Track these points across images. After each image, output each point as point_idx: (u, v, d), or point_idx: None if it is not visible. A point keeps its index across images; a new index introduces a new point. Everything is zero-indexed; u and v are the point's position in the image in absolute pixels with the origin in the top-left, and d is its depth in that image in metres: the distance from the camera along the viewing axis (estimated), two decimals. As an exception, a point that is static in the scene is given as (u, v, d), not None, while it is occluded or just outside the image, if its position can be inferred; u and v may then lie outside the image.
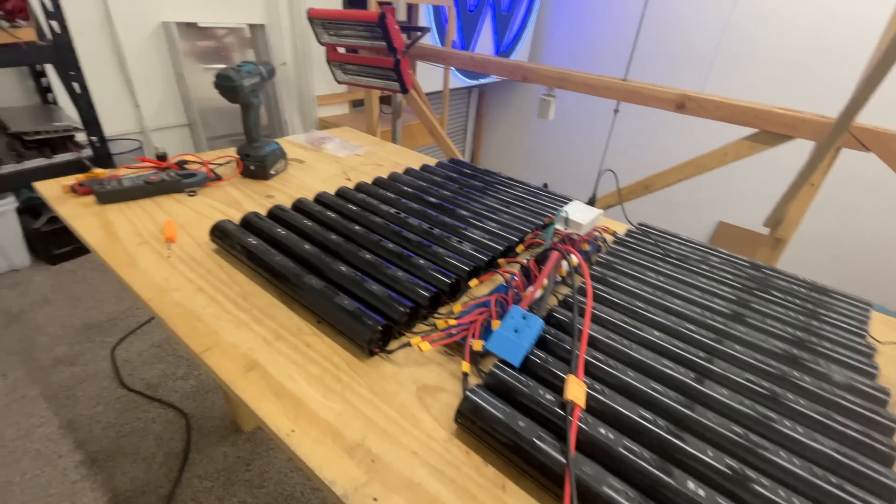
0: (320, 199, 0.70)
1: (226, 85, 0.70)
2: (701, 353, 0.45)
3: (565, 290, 0.56)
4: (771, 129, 1.48)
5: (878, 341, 0.52)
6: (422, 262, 0.55)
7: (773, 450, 0.35)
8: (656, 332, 0.47)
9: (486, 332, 0.47)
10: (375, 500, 0.33)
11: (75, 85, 1.51)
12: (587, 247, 0.63)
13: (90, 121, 1.58)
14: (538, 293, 0.50)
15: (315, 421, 0.38)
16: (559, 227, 0.63)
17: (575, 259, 0.54)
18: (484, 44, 4.02)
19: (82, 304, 1.52)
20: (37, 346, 1.34)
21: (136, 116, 2.00)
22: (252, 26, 2.27)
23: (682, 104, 1.64)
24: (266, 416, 0.38)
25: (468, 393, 0.38)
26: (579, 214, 0.64)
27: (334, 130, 1.15)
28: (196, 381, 1.28)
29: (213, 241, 0.60)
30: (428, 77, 3.11)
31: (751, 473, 0.33)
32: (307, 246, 0.56)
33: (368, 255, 0.55)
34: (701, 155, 1.68)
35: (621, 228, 0.75)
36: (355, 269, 0.53)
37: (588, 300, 0.47)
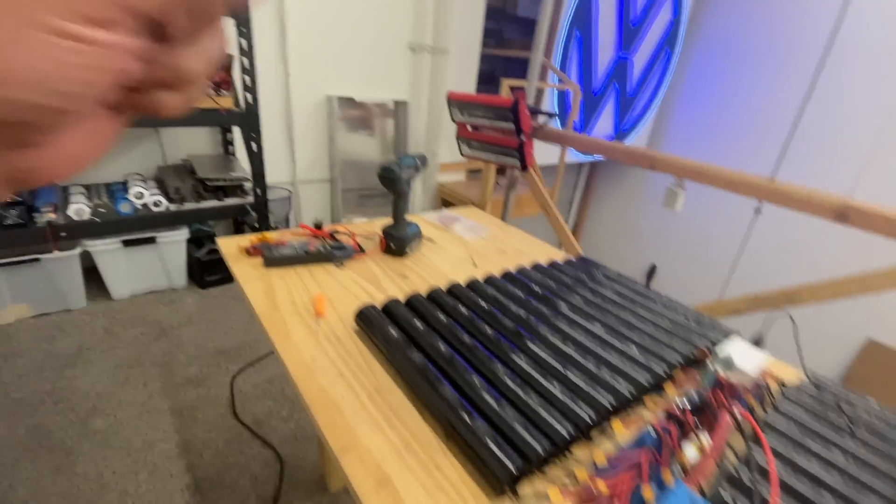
0: (453, 291, 0.71)
1: (388, 177, 0.77)
2: None
3: (727, 454, 0.48)
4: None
5: None
6: (558, 388, 0.52)
7: None
8: (865, 553, 0.37)
9: (635, 494, 0.41)
10: None
11: (253, 144, 1.81)
12: (752, 400, 0.54)
13: (258, 174, 1.86)
14: (691, 451, 0.43)
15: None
16: (719, 369, 0.56)
17: (742, 419, 0.46)
18: (603, 124, 4.03)
19: (217, 329, 1.72)
20: (175, 362, 1.53)
21: (290, 170, 2.33)
22: (396, 102, 2.56)
23: (844, 215, 1.44)
24: (395, 548, 0.37)
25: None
26: (745, 360, 0.56)
27: (461, 210, 1.20)
28: (295, 424, 1.34)
29: (356, 323, 0.63)
30: (543, 151, 3.18)
31: None
32: (442, 346, 0.56)
33: (500, 368, 0.53)
34: (869, 274, 1.43)
35: (787, 373, 0.64)
36: (487, 382, 0.51)
37: (772, 486, 0.39)
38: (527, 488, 0.43)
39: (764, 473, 0.41)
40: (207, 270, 1.98)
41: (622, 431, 0.49)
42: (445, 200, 3.16)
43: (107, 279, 1.81)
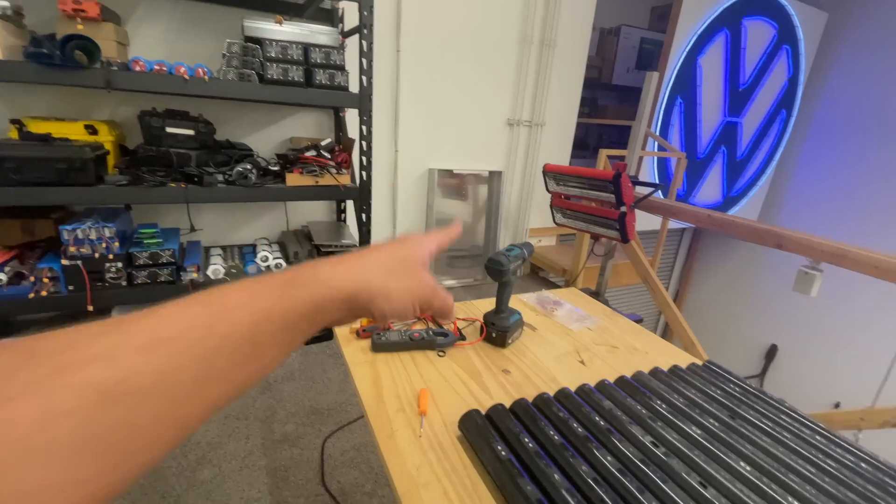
0: (561, 401, 0.66)
1: (497, 269, 0.77)
2: None
3: None
4: None
5: None
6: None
7: None
8: None
9: None
10: None
11: (363, 215, 1.96)
12: None
13: (365, 240, 2.01)
14: None
15: None
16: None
17: None
18: (709, 190, 3.77)
19: (314, 388, 1.80)
20: (275, 418, 1.61)
21: (391, 235, 2.48)
22: (491, 172, 2.65)
23: None
24: None
25: None
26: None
27: (562, 293, 1.15)
28: (378, 501, 1.31)
29: (459, 429, 0.61)
30: (642, 217, 3.02)
31: None
32: (556, 476, 0.51)
33: (629, 513, 0.46)
34: None
35: None
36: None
37: None
38: None
39: None
40: (311, 328, 2.11)
41: None
42: (536, 266, 3.10)
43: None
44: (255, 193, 1.74)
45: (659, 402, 0.67)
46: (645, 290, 2.72)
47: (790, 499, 0.51)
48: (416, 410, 0.65)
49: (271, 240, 2.16)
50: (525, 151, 2.70)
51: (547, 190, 2.11)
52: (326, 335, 2.13)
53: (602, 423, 0.61)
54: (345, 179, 1.86)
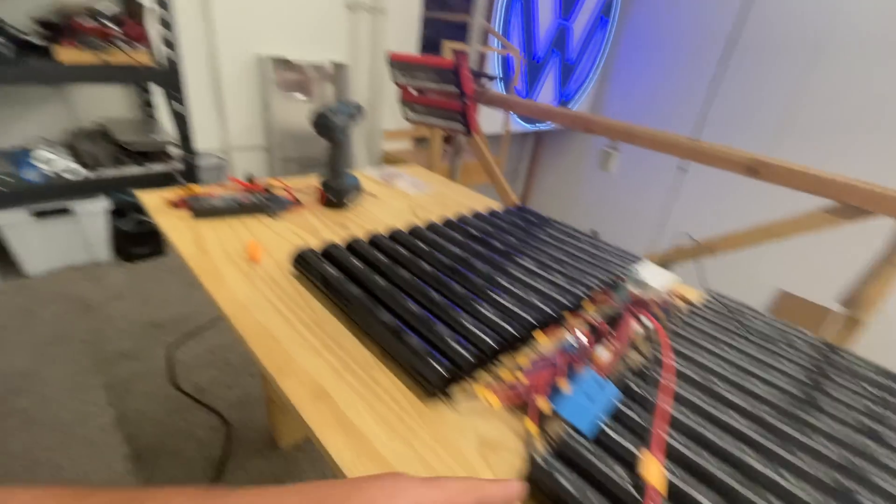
0: (394, 236, 0.72)
1: (323, 124, 0.76)
2: (789, 446, 0.41)
3: (636, 357, 0.54)
4: (852, 203, 1.39)
5: None
6: (488, 308, 0.55)
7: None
8: (738, 417, 0.44)
9: (554, 393, 0.46)
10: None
11: (176, 104, 1.68)
12: (661, 314, 0.61)
13: (184, 137, 1.74)
14: (601, 351, 0.48)
15: (376, 459, 0.38)
16: (631, 287, 0.62)
17: (651, 325, 0.52)
18: (546, 92, 4.11)
19: (151, 303, 1.63)
20: (104, 338, 1.44)
21: (222, 136, 2.19)
22: (336, 64, 2.46)
23: (754, 169, 1.58)
24: (330, 446, 0.39)
25: (539, 462, 0.37)
26: (654, 278, 0.62)
27: (404, 167, 1.20)
28: (241, 391, 1.32)
29: (294, 267, 0.63)
30: (489, 120, 3.21)
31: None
32: (380, 280, 0.58)
33: (436, 296, 0.56)
34: (774, 222, 1.60)
35: (693, 295, 0.72)
36: (424, 309, 0.53)
37: (665, 369, 0.45)
38: (458, 391, 0.46)
39: (661, 363, 0.47)
40: (134, 243, 1.85)
41: (545, 341, 0.54)
42: (392, 169, 3.12)
43: (18, 254, 1.65)
44: (15, 74, 1.35)
45: (473, 229, 0.79)
46: (495, 191, 3.00)
47: (554, 273, 0.67)
48: (246, 260, 0.65)
49: (54, 141, 1.74)
50: (370, 42, 2.55)
51: (394, 82, 2.08)
52: (156, 250, 1.89)
53: (425, 246, 0.69)
54: (142, 58, 1.54)
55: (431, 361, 0.45)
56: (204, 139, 2.10)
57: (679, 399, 0.46)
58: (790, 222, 1.60)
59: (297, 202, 0.85)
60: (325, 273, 0.58)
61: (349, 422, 0.41)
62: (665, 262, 1.87)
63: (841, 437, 0.44)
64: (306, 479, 1.06)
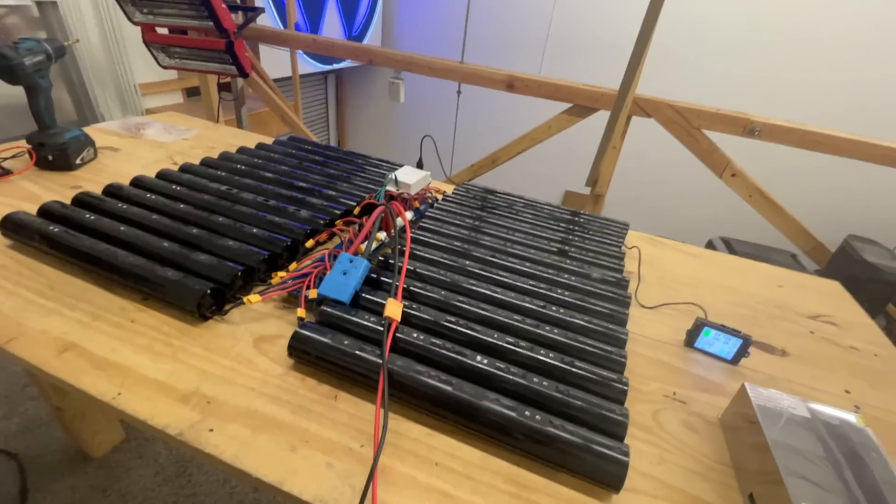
0: (137, 183, 0.66)
1: (2, 65, 0.61)
2: (497, 271, 0.56)
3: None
4: (580, 103, 1.77)
5: (626, 247, 0.70)
6: (256, 231, 0.57)
7: (540, 325, 0.47)
8: (467, 262, 0.57)
9: (320, 281, 0.51)
10: (211, 430, 0.35)
11: None
12: (419, 205, 0.71)
13: None
14: (364, 242, 0.56)
15: (144, 382, 0.39)
16: (390, 188, 0.70)
17: (395, 211, 0.61)
18: (331, 28, 3.93)
19: None
20: None
21: None
22: (40, 3, 1.90)
23: (511, 84, 1.85)
24: (88, 387, 0.38)
25: (297, 329, 0.42)
26: (408, 176, 0.71)
27: (156, 115, 1.06)
28: (22, 417, 1.08)
29: (4, 235, 0.53)
30: (275, 62, 2.94)
31: (522, 343, 0.44)
32: (122, 227, 0.53)
33: (195, 230, 0.55)
34: (533, 129, 1.93)
35: (448, 188, 0.85)
36: (181, 244, 0.52)
37: (407, 239, 0.55)
38: (233, 308, 0.48)
39: (403, 239, 0.56)
40: None
41: (315, 247, 0.59)
42: (168, 131, 2.66)
43: None
44: None
45: (240, 165, 0.77)
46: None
47: (330, 190, 0.71)
48: (-69, 243, 0.52)
49: None
50: (84, -29, 2.01)
51: (131, 21, 1.72)
52: None
53: (178, 188, 0.65)
54: None
55: (189, 284, 0.46)
56: None
57: (422, 258, 0.57)
58: (543, 127, 1.94)
59: (3, 171, 0.69)
60: (46, 232, 0.51)
61: (107, 361, 0.40)
62: (461, 180, 2.10)
63: (542, 259, 0.61)
64: (138, 476, 0.97)
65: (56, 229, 0.51)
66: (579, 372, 0.42)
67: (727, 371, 0.51)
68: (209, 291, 0.46)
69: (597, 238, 0.70)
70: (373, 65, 2.01)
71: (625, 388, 0.41)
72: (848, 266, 1.40)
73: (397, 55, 1.98)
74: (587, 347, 0.45)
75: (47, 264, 0.51)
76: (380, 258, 0.55)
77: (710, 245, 1.79)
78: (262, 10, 1.85)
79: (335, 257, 0.54)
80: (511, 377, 0.40)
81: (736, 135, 1.55)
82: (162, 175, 0.69)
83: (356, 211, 0.69)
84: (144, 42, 1.77)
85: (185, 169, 0.72)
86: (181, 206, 0.60)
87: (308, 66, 3.69)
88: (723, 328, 0.52)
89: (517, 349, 0.43)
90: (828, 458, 0.35)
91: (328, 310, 0.45)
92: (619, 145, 1.78)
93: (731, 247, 1.71)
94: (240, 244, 0.54)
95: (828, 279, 0.75)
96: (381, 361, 0.39)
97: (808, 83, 2.56)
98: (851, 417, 0.39)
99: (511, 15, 3.32)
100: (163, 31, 1.83)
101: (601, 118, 1.75)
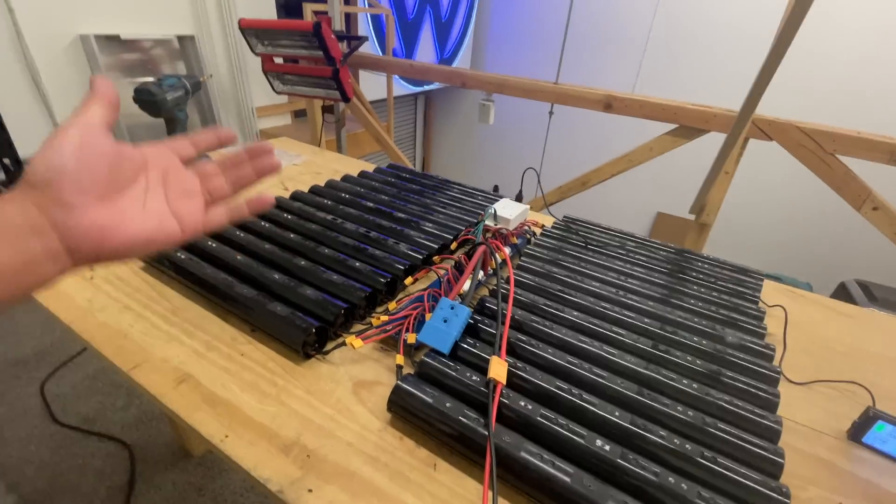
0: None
1: (146, 100, 0.69)
2: (611, 327, 0.50)
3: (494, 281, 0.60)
4: (687, 124, 1.61)
5: (766, 304, 0.59)
6: (358, 264, 0.57)
7: (671, 405, 0.40)
8: (574, 312, 0.52)
9: (420, 327, 0.49)
10: (310, 491, 0.34)
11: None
12: (516, 240, 0.67)
13: (2, 143, 1.47)
14: (466, 284, 0.53)
15: (250, 425, 0.39)
16: (489, 222, 0.67)
17: (499, 250, 0.57)
18: (425, 52, 4.08)
19: (6, 341, 1.40)
20: (-50, 390, 1.23)
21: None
22: (181, 38, 2.19)
23: (610, 104, 1.75)
24: (199, 424, 0.39)
25: (399, 382, 0.40)
26: (507, 210, 0.68)
27: (271, 141, 1.14)
28: (137, 409, 1.21)
29: (140, 259, 0.59)
30: (372, 85, 3.12)
31: (651, 426, 0.37)
32: (239, 257, 0.56)
33: (303, 262, 0.56)
34: (630, 151, 1.80)
35: (549, 222, 0.80)
36: (290, 277, 0.53)
37: (510, 286, 0.51)
38: (330, 346, 0.48)
39: (508, 281, 0.52)
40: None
41: (414, 283, 0.57)
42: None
43: None
44: None
45: (343, 193, 0.78)
46: (389, 158, 2.94)
47: (426, 222, 0.70)
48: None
49: None
50: (218, 9, 2.29)
51: (254, 52, 1.91)
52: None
53: (289, 216, 0.68)
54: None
55: (296, 322, 0.46)
56: (31, 141, 1.78)
57: (525, 307, 0.52)
58: (644, 148, 1.81)
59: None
60: (173, 258, 0.55)
61: (217, 397, 0.41)
62: (549, 202, 2.02)
63: (666, 314, 0.54)
64: (229, 480, 1.02)
65: (183, 256, 0.55)
66: (723, 472, 0.35)
67: (913, 482, 0.40)
68: (314, 331, 0.45)
69: (727, 290, 0.60)
70: (465, 87, 2.02)
71: (786, 501, 0.33)
72: None
73: (490, 78, 1.98)
74: (730, 438, 0.38)
75: (173, 288, 0.55)
76: (477, 299, 0.52)
77: (842, 288, 1.53)
78: (366, 39, 1.97)
79: (435, 298, 0.52)
80: (640, 472, 0.34)
81: (881, 162, 1.30)
82: (276, 202, 0.72)
83: (453, 246, 0.67)
84: (263, 71, 1.96)
85: (295, 197, 0.75)
86: (291, 235, 0.62)
87: (401, 88, 3.86)
88: (908, 426, 0.40)
89: (646, 434, 0.37)
90: None
91: (429, 361, 0.42)
92: (733, 171, 1.60)
93: (870, 292, 1.43)
94: (343, 279, 0.53)
95: None
96: (486, 433, 0.35)
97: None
98: None
99: (603, 31, 3.19)
100: (279, 60, 2.01)
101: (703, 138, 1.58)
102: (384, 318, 0.47)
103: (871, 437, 0.41)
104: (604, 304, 0.54)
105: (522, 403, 0.39)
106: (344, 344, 0.46)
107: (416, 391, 0.39)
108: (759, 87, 1.23)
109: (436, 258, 0.62)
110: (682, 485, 0.33)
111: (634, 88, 3.16)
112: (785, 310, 0.56)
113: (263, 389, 0.42)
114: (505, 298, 0.49)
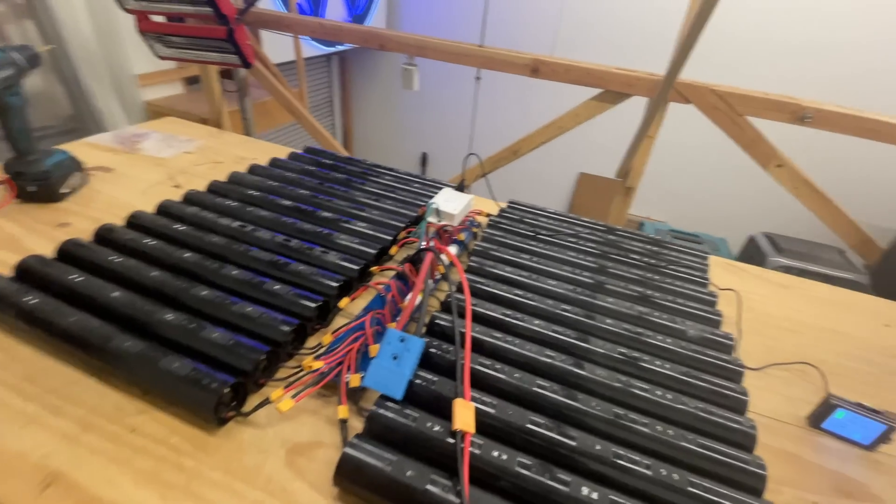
0: (134, 223, 0.55)
1: (-51, 81, 0.50)
2: (576, 335, 0.45)
3: (446, 288, 0.53)
4: (613, 89, 1.62)
5: (718, 288, 0.59)
6: (278, 287, 0.47)
7: (650, 423, 0.37)
8: (536, 321, 0.47)
9: (364, 360, 0.41)
10: None
11: None
12: (463, 236, 0.60)
13: None
14: (418, 299, 0.45)
15: (151, 537, 0.30)
16: (431, 219, 0.59)
17: (447, 259, 0.50)
18: (334, 7, 3.73)
19: None
20: None
21: None
22: (18, -10, 1.76)
23: (536, 68, 1.70)
24: (74, 552, 0.28)
25: (346, 450, 0.32)
26: (450, 204, 0.60)
27: (153, 123, 0.95)
28: None
29: (-31, 306, 0.44)
30: (277, 46, 2.78)
31: (633, 455, 0.34)
32: (117, 293, 0.43)
33: (205, 292, 0.45)
34: (559, 117, 1.78)
35: (494, 208, 0.74)
36: (189, 314, 0.42)
37: (466, 297, 0.44)
38: (252, 402, 0.38)
39: (461, 289, 0.46)
40: None
41: (351, 304, 0.48)
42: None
43: None
44: None
45: (251, 190, 0.66)
46: (304, 130, 2.66)
47: (356, 221, 0.60)
48: None
49: None
50: (70, -46, 1.86)
51: (123, 8, 1.58)
52: None
53: (182, 227, 0.55)
54: None
55: (204, 382, 0.36)
56: None
57: (483, 320, 0.46)
58: (571, 114, 1.80)
59: (-23, 206, 0.59)
60: (21, 304, 0.41)
61: (101, 502, 0.31)
62: (489, 170, 1.97)
63: (626, 310, 0.51)
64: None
65: (35, 301, 0.41)
66: (715, 499, 0.32)
67: (865, 461, 0.41)
68: (227, 389, 0.36)
69: (679, 273, 0.59)
70: (384, 50, 1.86)
71: (777, 523, 0.31)
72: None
73: (410, 39, 1.83)
74: (715, 455, 0.35)
75: (28, 344, 0.42)
76: (434, 321, 0.45)
77: (751, 241, 1.67)
78: (262, -7, 1.71)
79: (379, 322, 0.44)
80: (635, 523, 0.30)
81: (785, 122, 1.40)
82: (163, 209, 0.58)
83: (394, 250, 0.58)
84: (139, 31, 1.64)
85: (190, 199, 0.61)
86: (186, 254, 0.50)
87: (311, 48, 3.51)
88: (860, 408, 0.41)
89: (635, 467, 0.33)
90: None
91: (381, 413, 0.35)
92: (655, 134, 1.64)
93: (776, 243, 1.59)
94: (260, 310, 0.43)
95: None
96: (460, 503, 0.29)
97: (861, 66, 2.29)
98: None
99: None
100: (159, 19, 1.69)
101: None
102: (316, 364, 0.39)
103: (831, 423, 0.42)
104: (564, 308, 0.49)
105: (496, 453, 0.33)
106: (268, 402, 0.37)
107: (368, 459, 0.32)
108: (683, 52, 1.24)
109: (374, 269, 0.54)
110: (680, 530, 0.30)
111: (553, 52, 3.15)
112: (738, 295, 0.55)
113: (167, 479, 0.33)
114: (462, 314, 0.43)
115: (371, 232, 0.59)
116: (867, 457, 0.41)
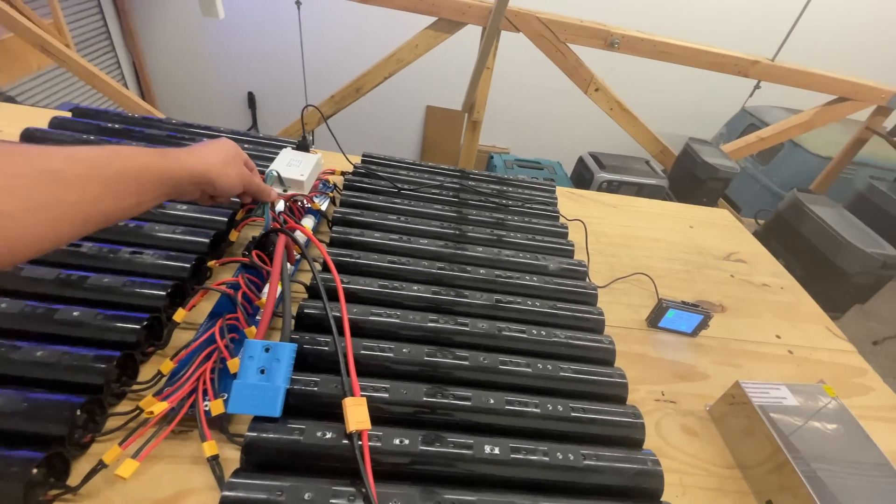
0: None
1: None
2: (455, 292, 0.45)
3: (309, 269, 0.47)
4: (446, 17, 1.57)
5: (567, 219, 0.64)
6: (78, 313, 0.35)
7: (531, 363, 0.39)
8: (415, 287, 0.45)
9: (224, 378, 0.35)
10: None
11: None
12: (318, 204, 0.54)
13: None
14: (277, 291, 0.39)
15: None
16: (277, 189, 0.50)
17: (303, 236, 0.44)
18: None
19: None
20: None
21: None
22: None
23: (366, -8, 1.56)
24: None
25: (224, 493, 0.27)
26: (294, 168, 0.52)
27: None
28: None
29: None
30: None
31: (522, 398, 0.36)
32: None
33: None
34: (398, 49, 1.69)
35: (347, 165, 0.67)
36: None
37: (336, 279, 0.40)
38: (79, 470, 0.29)
39: (326, 267, 0.41)
40: None
41: (181, 316, 0.39)
42: None
43: None
44: None
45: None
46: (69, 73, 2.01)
47: (177, 208, 0.49)
48: None
49: None
50: None
51: None
52: None
53: None
54: None
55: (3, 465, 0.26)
56: None
57: (357, 297, 0.43)
58: (409, 45, 1.72)
59: None
60: None
61: None
62: (331, 112, 1.80)
63: (493, 258, 0.51)
64: None
65: None
66: (599, 433, 0.36)
67: (691, 346, 0.51)
68: (36, 470, 0.26)
69: (534, 210, 0.62)
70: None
71: (639, 421, 0.37)
72: (691, 167, 1.60)
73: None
74: (586, 377, 0.39)
75: None
76: (302, 311, 0.39)
77: (581, 162, 1.89)
78: None
79: (234, 329, 0.37)
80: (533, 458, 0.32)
81: (598, 48, 1.55)
82: None
83: (233, 236, 0.49)
84: None
85: None
86: None
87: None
88: (684, 306, 0.51)
89: (526, 409, 0.35)
90: (833, 447, 0.36)
91: (258, 438, 0.30)
92: (493, 65, 1.68)
93: (599, 161, 1.83)
94: (60, 351, 0.32)
95: (718, 209, 0.81)
96: (370, 510, 0.28)
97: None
98: (824, 394, 0.41)
99: None
100: None
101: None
102: (158, 405, 0.31)
103: (665, 322, 0.51)
104: (440, 266, 0.48)
105: (398, 441, 0.32)
106: (104, 466, 0.29)
107: (254, 495, 0.27)
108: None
109: (211, 264, 0.44)
110: (571, 456, 0.33)
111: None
112: (584, 224, 0.61)
113: None
114: (333, 296, 0.38)
115: (197, 215, 0.48)
116: (692, 342, 0.51)
